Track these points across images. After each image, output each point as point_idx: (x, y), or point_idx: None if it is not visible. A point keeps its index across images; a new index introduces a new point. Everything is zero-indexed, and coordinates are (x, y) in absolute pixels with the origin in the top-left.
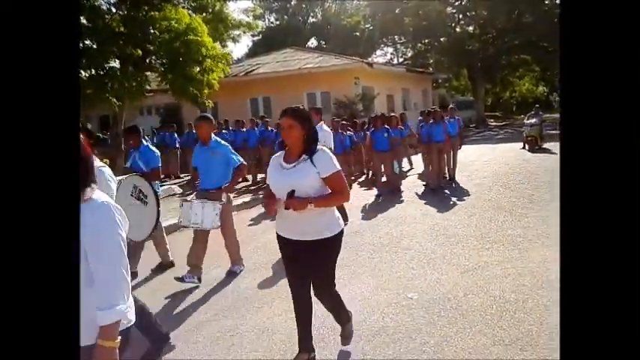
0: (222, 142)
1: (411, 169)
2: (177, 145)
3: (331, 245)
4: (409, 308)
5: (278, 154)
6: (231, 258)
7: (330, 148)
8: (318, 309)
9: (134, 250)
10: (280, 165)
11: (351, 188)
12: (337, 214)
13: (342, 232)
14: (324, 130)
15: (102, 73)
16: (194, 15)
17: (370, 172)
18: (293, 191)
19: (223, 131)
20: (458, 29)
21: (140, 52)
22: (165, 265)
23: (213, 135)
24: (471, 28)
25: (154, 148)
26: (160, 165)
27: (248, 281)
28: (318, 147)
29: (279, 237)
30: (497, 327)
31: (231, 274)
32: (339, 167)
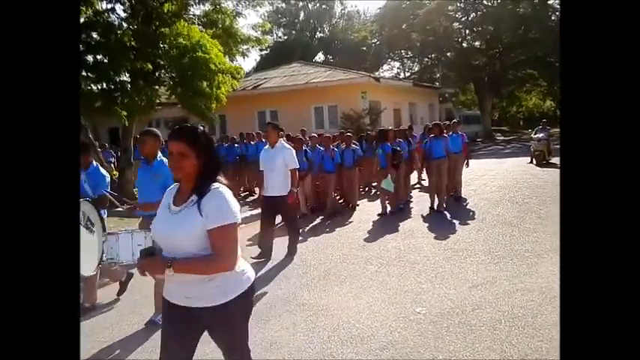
0: (166, 162)
1: (417, 183)
2: None
3: (230, 315)
4: (417, 323)
5: (172, 186)
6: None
7: (294, 169)
8: (324, 321)
9: (88, 284)
10: (168, 206)
11: (358, 205)
12: (243, 267)
13: (245, 293)
14: (286, 148)
15: (112, 86)
16: (204, 31)
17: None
18: (149, 249)
19: (236, 145)
20: (464, 44)
21: (150, 66)
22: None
23: (159, 154)
24: (477, 43)
25: (103, 171)
26: (109, 190)
27: (255, 294)
28: (215, 185)
29: (163, 299)
30: (507, 343)
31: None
32: (233, 219)
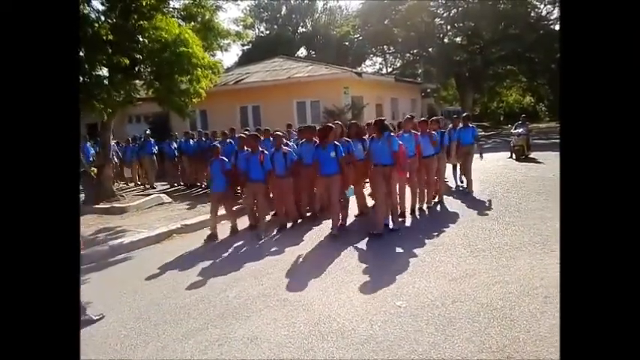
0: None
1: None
2: (176, 154)
3: None
4: (397, 316)
5: None
6: None
7: None
8: (305, 316)
9: None
10: None
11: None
12: None
13: None
14: None
15: (89, 80)
16: (184, 24)
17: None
18: None
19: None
20: (446, 40)
21: (127, 60)
22: None
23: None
24: (458, 39)
25: None
26: None
27: (236, 290)
28: None
29: None
30: (485, 334)
31: None
32: None
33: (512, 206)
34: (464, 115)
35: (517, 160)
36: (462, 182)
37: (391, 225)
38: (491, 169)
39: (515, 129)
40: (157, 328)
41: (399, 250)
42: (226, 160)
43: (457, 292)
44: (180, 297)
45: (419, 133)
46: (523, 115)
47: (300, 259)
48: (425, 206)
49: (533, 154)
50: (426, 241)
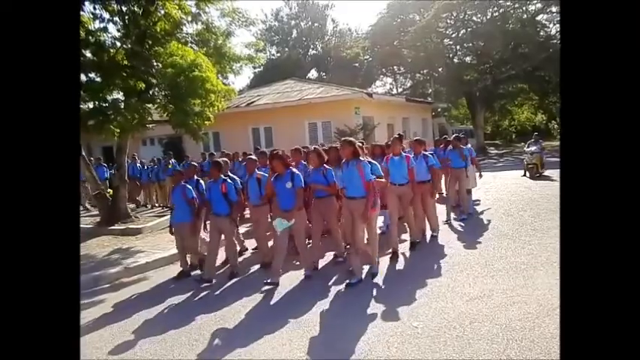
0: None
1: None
2: None
3: None
4: (415, 337)
5: None
6: None
7: None
8: (321, 337)
9: None
10: None
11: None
12: None
13: None
14: None
15: (105, 105)
16: (197, 49)
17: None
18: None
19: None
20: (455, 60)
21: (143, 85)
22: None
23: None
24: (468, 59)
25: None
26: None
27: (250, 311)
28: None
29: None
30: (504, 355)
31: None
32: None
33: (527, 224)
34: (454, 135)
35: (531, 178)
36: (460, 210)
37: (372, 270)
38: (505, 187)
39: (528, 147)
40: (173, 350)
41: (414, 270)
42: (189, 187)
43: (475, 312)
44: (195, 318)
45: (411, 156)
46: (536, 133)
47: (313, 280)
48: (430, 233)
49: (547, 172)
50: (442, 261)
